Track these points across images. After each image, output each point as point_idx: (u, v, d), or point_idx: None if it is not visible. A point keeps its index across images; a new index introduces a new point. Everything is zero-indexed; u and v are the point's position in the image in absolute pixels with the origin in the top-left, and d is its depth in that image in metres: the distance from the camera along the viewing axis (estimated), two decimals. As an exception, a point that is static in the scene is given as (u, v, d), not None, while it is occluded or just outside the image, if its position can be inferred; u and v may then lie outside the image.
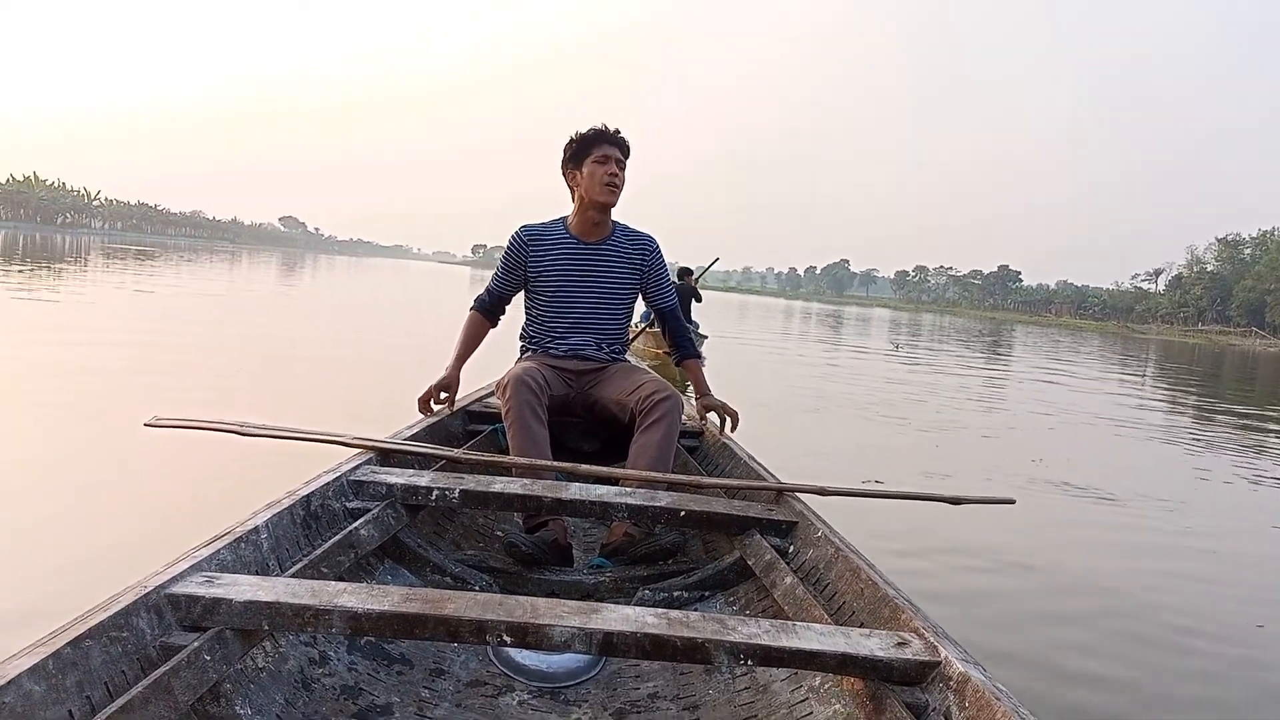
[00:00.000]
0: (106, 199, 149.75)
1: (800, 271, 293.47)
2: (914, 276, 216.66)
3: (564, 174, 2.94)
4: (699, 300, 15.77)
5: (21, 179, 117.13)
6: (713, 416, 3.12)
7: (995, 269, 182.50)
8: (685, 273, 15.69)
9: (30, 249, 38.97)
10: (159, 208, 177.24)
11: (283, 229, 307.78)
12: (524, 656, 1.84)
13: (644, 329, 14.87)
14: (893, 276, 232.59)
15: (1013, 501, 2.49)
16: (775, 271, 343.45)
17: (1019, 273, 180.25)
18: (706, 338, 16.43)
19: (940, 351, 22.73)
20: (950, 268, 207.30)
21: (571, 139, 2.87)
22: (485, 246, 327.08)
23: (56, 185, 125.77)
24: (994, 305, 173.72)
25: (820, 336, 26.27)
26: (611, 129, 2.85)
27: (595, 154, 2.82)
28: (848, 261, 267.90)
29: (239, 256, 68.80)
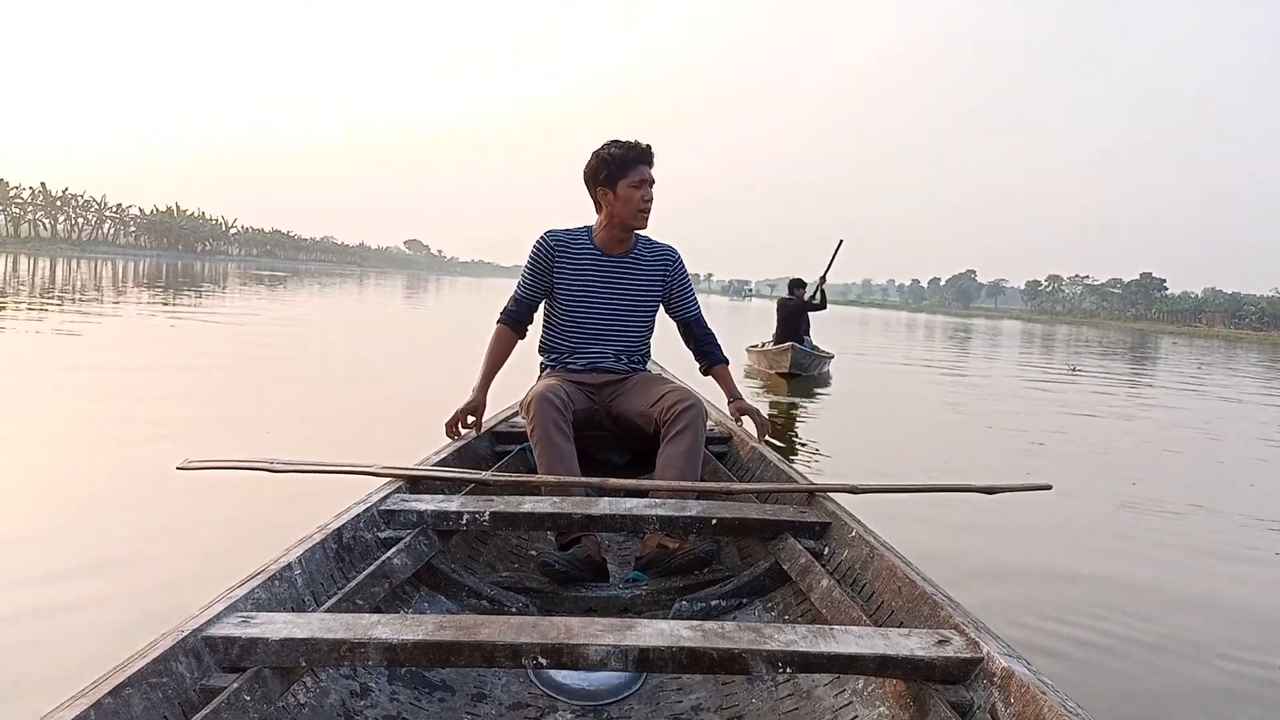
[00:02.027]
0: (243, 227, 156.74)
1: (924, 283, 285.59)
2: (1046, 286, 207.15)
3: (592, 188, 2.85)
4: (820, 308, 13.56)
5: (164, 209, 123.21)
6: (746, 421, 3.07)
7: (1137, 277, 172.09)
8: (797, 285, 13.43)
9: (174, 275, 40.93)
10: (291, 234, 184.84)
11: (408, 252, 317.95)
12: (565, 676, 1.81)
13: (759, 348, 13.00)
14: (1023, 287, 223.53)
15: (1049, 487, 2.39)
16: (897, 284, 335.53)
17: (1163, 280, 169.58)
18: (832, 356, 14.24)
19: (1123, 374, 19.74)
20: (1086, 276, 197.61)
21: (606, 157, 2.78)
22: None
23: (196, 215, 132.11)
24: (1136, 315, 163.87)
25: (977, 357, 23.43)
26: (644, 144, 2.79)
27: (633, 176, 2.76)
28: (974, 272, 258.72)
29: (366, 279, 70.89)
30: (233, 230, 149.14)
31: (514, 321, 3.00)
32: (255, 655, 1.37)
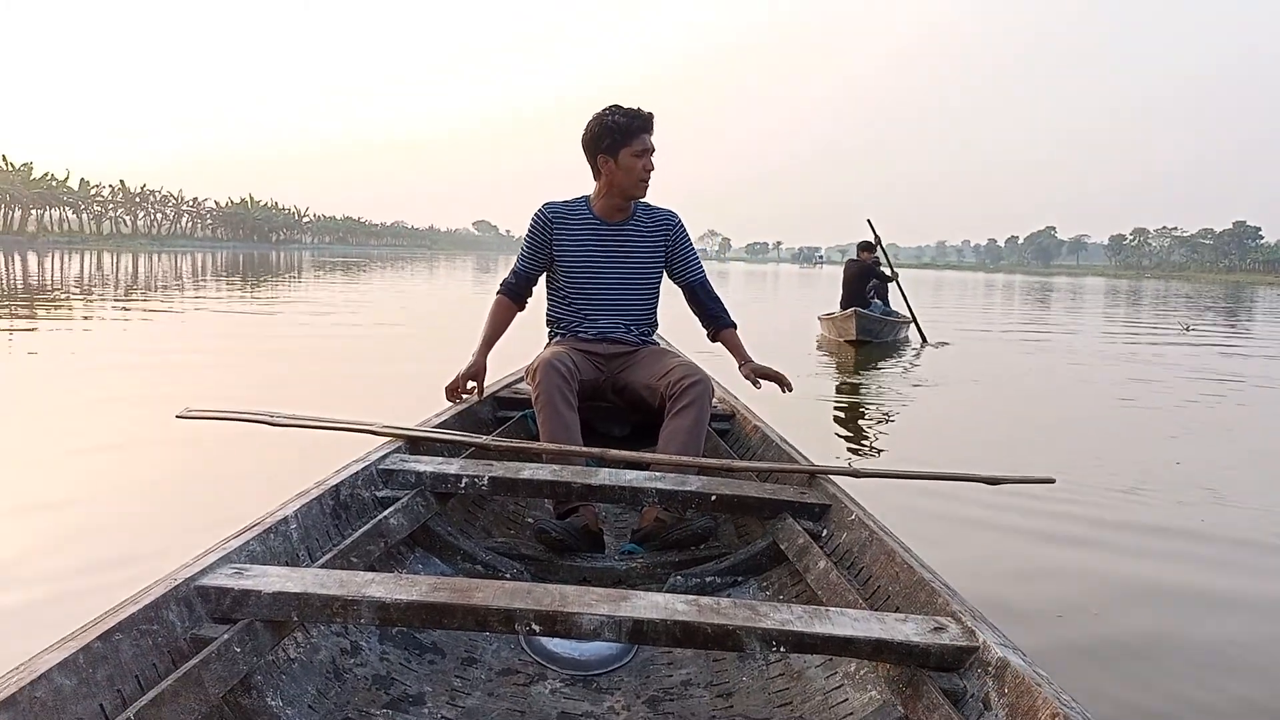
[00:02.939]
0: (315, 215, 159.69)
1: (1000, 242, 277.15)
2: (1132, 240, 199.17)
3: (592, 154, 2.80)
4: (890, 278, 12.69)
5: (239, 200, 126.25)
6: (765, 383, 2.95)
7: (1229, 226, 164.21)
8: (864, 247, 12.54)
9: (266, 265, 42.03)
10: (362, 220, 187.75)
11: (476, 233, 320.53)
12: (556, 645, 1.81)
13: (830, 316, 12.30)
14: (1106, 242, 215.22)
15: (1052, 481, 2.37)
16: (972, 244, 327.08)
17: (1258, 229, 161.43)
18: (909, 320, 13.34)
19: (1238, 329, 18.40)
20: (1174, 228, 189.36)
21: (610, 124, 2.72)
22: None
23: (270, 205, 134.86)
24: (1229, 267, 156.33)
25: (1072, 317, 22.16)
26: (647, 112, 2.76)
27: (635, 145, 2.73)
28: (1054, 229, 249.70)
29: (436, 261, 71.68)
30: (305, 219, 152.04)
31: (514, 294, 2.99)
32: (247, 607, 1.36)
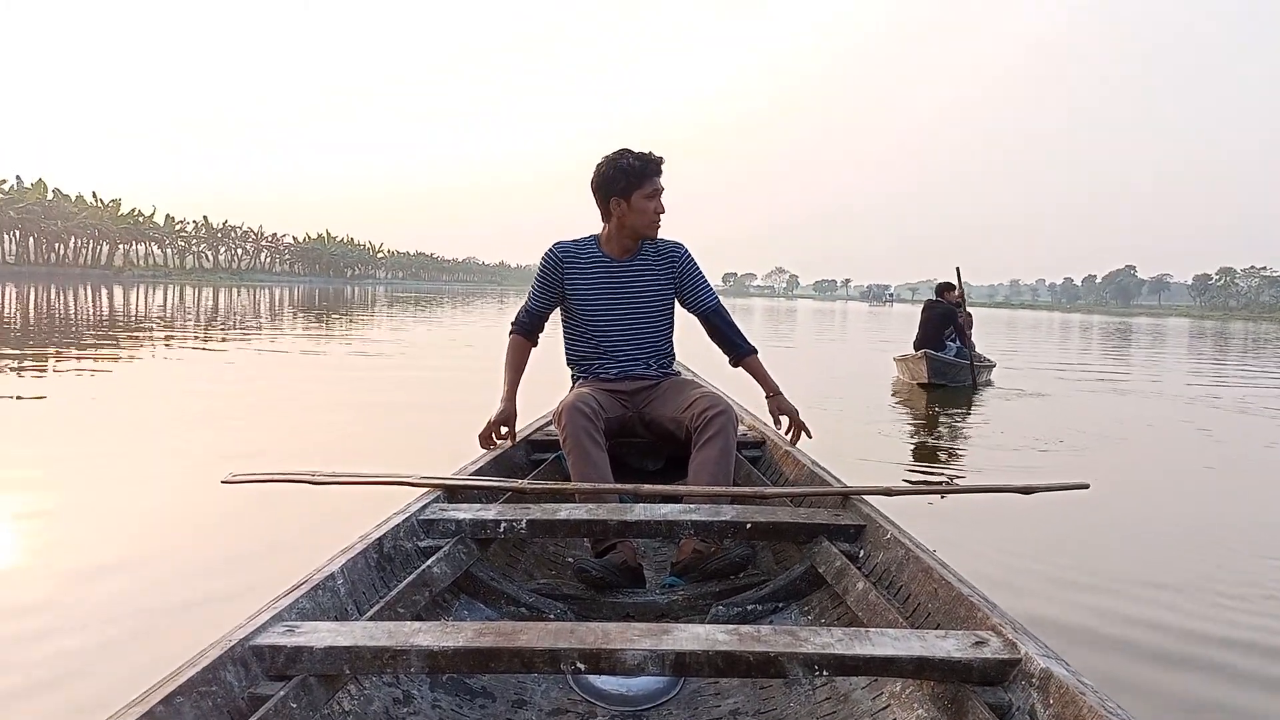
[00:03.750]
0: (389, 251, 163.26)
1: (1077, 281, 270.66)
2: (1218, 280, 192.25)
3: (604, 197, 2.86)
4: (960, 319, 12.00)
5: (315, 236, 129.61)
6: (784, 420, 3.00)
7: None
8: (945, 288, 11.96)
9: (330, 299, 42.65)
10: (434, 255, 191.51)
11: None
12: (604, 681, 1.82)
13: (903, 358, 11.78)
14: (1190, 281, 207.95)
15: (1086, 486, 2.29)
16: (1047, 283, 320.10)
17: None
18: (992, 365, 12.78)
19: None
20: (1264, 268, 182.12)
21: (624, 167, 2.79)
22: (736, 275, 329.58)
23: (346, 240, 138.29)
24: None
25: (1166, 361, 20.97)
26: (657, 156, 2.82)
27: (647, 187, 2.80)
28: (1134, 268, 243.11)
29: (506, 296, 72.27)
30: (380, 254, 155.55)
31: (526, 331, 3.04)
32: (301, 664, 1.39)
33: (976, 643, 1.40)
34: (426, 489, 2.35)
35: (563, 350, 3.09)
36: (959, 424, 8.28)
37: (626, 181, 2.80)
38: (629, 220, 2.85)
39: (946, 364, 10.86)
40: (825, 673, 1.39)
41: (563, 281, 2.95)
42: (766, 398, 3.04)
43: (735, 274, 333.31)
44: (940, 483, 2.74)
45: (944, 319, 11.39)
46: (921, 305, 12.18)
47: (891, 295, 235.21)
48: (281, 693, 1.35)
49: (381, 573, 1.90)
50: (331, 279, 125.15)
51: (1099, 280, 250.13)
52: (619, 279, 2.94)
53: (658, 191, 2.83)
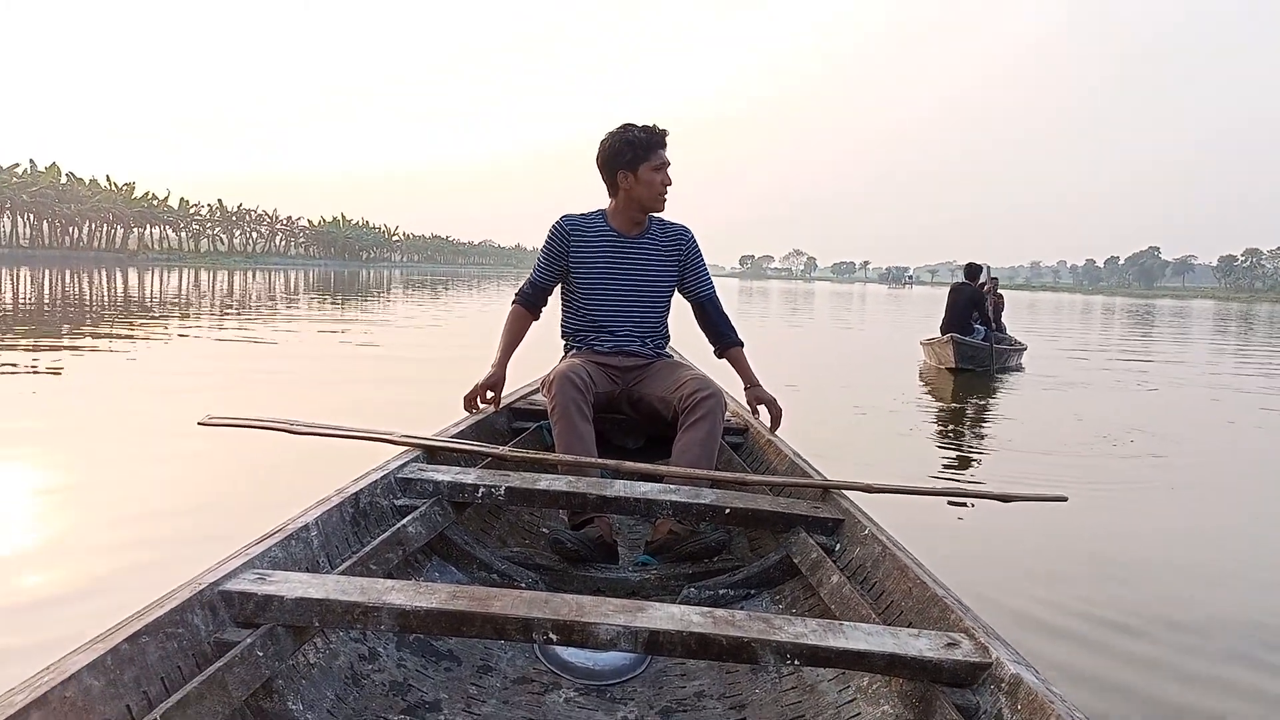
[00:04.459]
0: (405, 234, 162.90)
1: (1099, 263, 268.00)
2: (1243, 261, 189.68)
3: (610, 171, 2.85)
4: (989, 303, 11.47)
5: (330, 220, 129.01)
6: (763, 410, 3.04)
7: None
8: (974, 272, 11.50)
9: (345, 282, 42.62)
10: (450, 239, 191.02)
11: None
12: (570, 654, 1.83)
13: (930, 342, 11.25)
14: (1215, 263, 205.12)
15: (1064, 499, 2.31)
16: (1069, 264, 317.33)
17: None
18: (1023, 348, 12.23)
19: None
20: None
21: (630, 139, 2.78)
22: (753, 257, 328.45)
23: (361, 223, 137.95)
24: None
25: (1198, 344, 20.25)
26: (662, 128, 2.82)
27: (654, 159, 2.79)
28: (1158, 249, 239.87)
29: (523, 279, 71.56)
30: (395, 238, 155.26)
31: (529, 303, 3.02)
32: (270, 612, 1.38)
33: (949, 644, 1.39)
34: (406, 448, 2.33)
35: (557, 323, 3.07)
36: (996, 417, 7.59)
37: (633, 154, 2.77)
38: (636, 193, 2.82)
39: (975, 348, 10.52)
40: (796, 662, 1.38)
41: (568, 254, 2.92)
42: (745, 389, 3.06)
43: (752, 256, 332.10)
44: (927, 484, 2.71)
45: (971, 302, 10.99)
46: (948, 288, 11.67)
47: (911, 278, 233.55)
48: (248, 640, 1.34)
49: (356, 528, 1.89)
50: (347, 262, 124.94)
51: (1122, 262, 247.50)
52: (624, 255, 2.92)
53: (664, 164, 2.81)
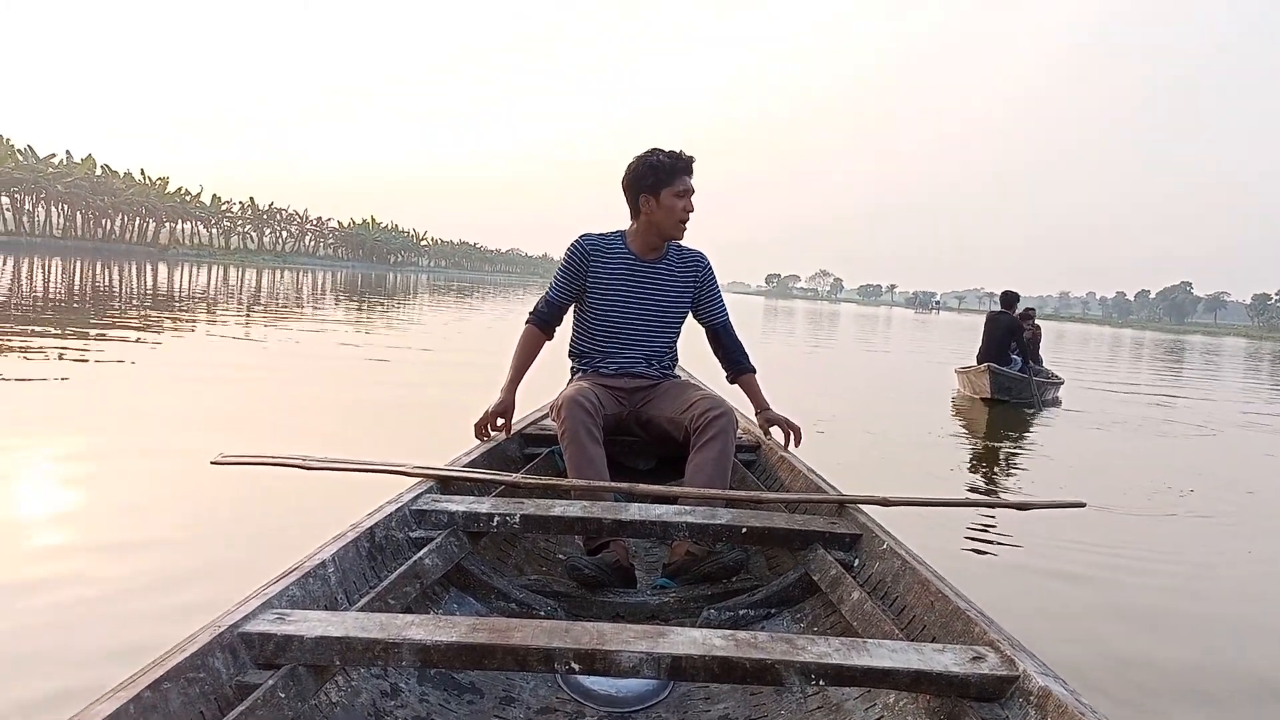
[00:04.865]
0: (433, 239, 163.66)
1: (1130, 296, 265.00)
2: (1278, 300, 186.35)
3: (634, 194, 2.84)
4: (1029, 334, 11.18)
5: (360, 222, 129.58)
6: (775, 431, 3.04)
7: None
8: (1011, 300, 11.12)
9: (368, 285, 42.51)
10: (478, 246, 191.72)
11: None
12: (593, 682, 1.81)
13: (965, 370, 10.88)
14: (1249, 301, 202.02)
15: (1083, 505, 2.27)
16: (1098, 296, 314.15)
17: None
18: (1060, 382, 11.82)
19: None
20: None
21: (654, 163, 2.79)
22: (779, 276, 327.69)
23: (390, 227, 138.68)
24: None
25: (1247, 385, 19.72)
26: (689, 154, 2.81)
27: (677, 185, 2.78)
28: (1189, 284, 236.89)
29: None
30: (424, 243, 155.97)
31: (543, 322, 2.99)
32: (290, 652, 1.37)
33: (974, 658, 1.38)
34: (419, 479, 2.32)
35: (565, 344, 3.08)
36: (1043, 457, 7.18)
37: (655, 178, 2.77)
38: (656, 218, 2.82)
39: (1011, 379, 10.18)
40: (822, 682, 1.36)
41: (586, 274, 2.91)
42: (756, 413, 3.09)
43: (779, 275, 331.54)
44: (938, 496, 2.67)
45: (1009, 331, 10.60)
46: (983, 316, 11.32)
47: (938, 303, 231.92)
48: (270, 682, 1.32)
49: (372, 562, 1.88)
50: (375, 265, 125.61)
51: (1153, 296, 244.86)
52: (641, 279, 2.92)
53: (688, 191, 2.80)
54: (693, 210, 2.83)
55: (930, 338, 31.86)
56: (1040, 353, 12.21)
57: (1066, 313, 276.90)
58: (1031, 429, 8.65)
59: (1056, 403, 10.94)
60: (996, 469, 6.51)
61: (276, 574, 1.60)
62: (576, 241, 2.94)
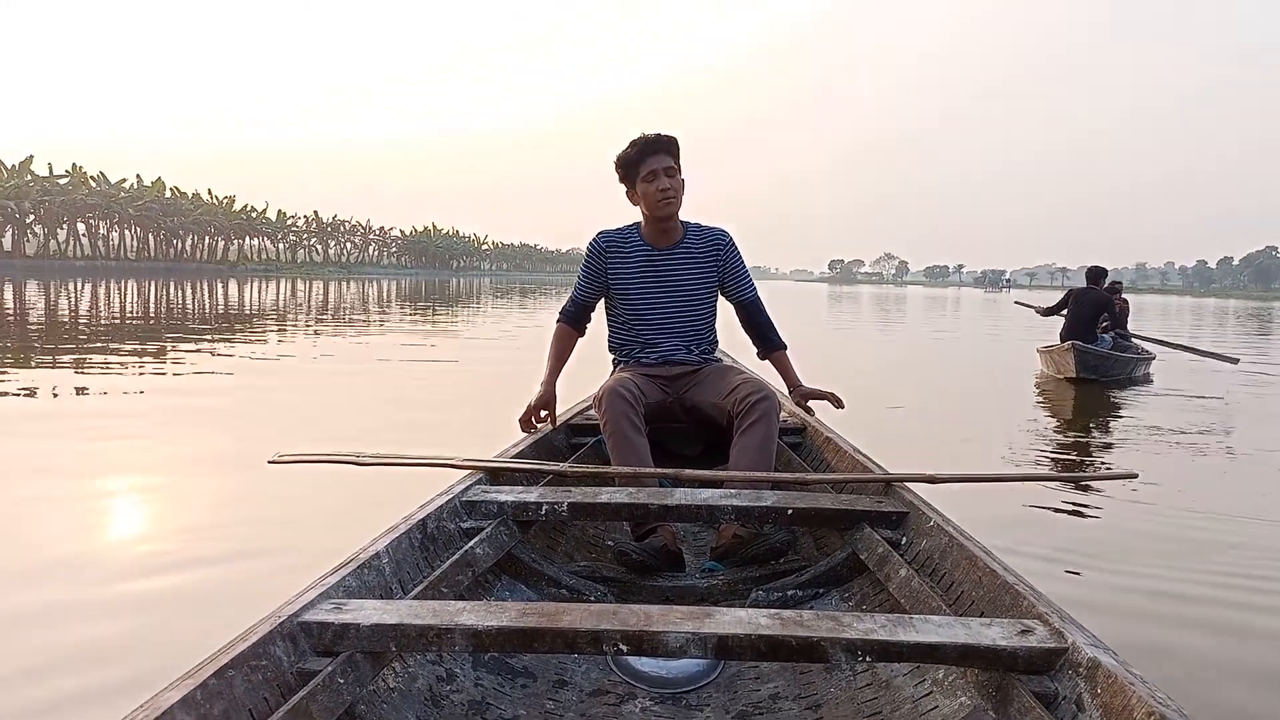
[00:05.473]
0: (494, 243, 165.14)
1: (1211, 264, 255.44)
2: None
3: (626, 191, 2.93)
4: (1119, 311, 10.55)
5: (422, 229, 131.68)
6: (814, 404, 3.07)
7: None
8: (1098, 275, 10.44)
9: (432, 290, 43.28)
10: (538, 247, 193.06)
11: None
12: (644, 664, 1.84)
13: (1048, 350, 10.23)
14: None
15: (1135, 475, 2.28)
16: (1177, 266, 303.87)
17: None
18: (1151, 357, 11.02)
19: None
20: None
21: (620, 158, 2.88)
22: (843, 261, 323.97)
23: (451, 233, 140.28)
24: None
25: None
26: (652, 135, 2.85)
27: (644, 171, 2.83)
28: (1275, 248, 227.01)
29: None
30: (485, 247, 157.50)
31: (573, 320, 3.06)
32: (347, 640, 1.41)
33: (1022, 631, 1.38)
34: (468, 471, 2.36)
35: (604, 337, 3.12)
36: (1152, 448, 6.50)
37: (626, 171, 2.86)
38: (642, 205, 2.88)
39: (1099, 357, 9.57)
40: (868, 658, 1.37)
41: (606, 271, 2.98)
42: (790, 390, 3.12)
43: (842, 260, 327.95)
44: (988, 472, 2.40)
45: (1099, 307, 9.97)
46: (1065, 293, 10.72)
47: (1009, 281, 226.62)
48: (329, 668, 1.37)
49: (425, 553, 1.91)
50: (438, 270, 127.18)
51: (1236, 262, 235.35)
52: (660, 267, 2.95)
53: (656, 172, 2.81)
54: (668, 187, 2.81)
55: (1004, 318, 30.69)
56: (1129, 327, 11.42)
57: (1144, 284, 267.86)
58: (1125, 410, 7.98)
59: (1148, 379, 10.27)
60: (1071, 449, 5.98)
61: (333, 565, 1.64)
62: (593, 240, 3.02)
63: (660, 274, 2.94)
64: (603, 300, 3.06)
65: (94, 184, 76.82)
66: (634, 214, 2.96)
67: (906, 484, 2.23)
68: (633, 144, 2.84)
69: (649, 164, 2.80)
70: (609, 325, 3.08)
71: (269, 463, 2.38)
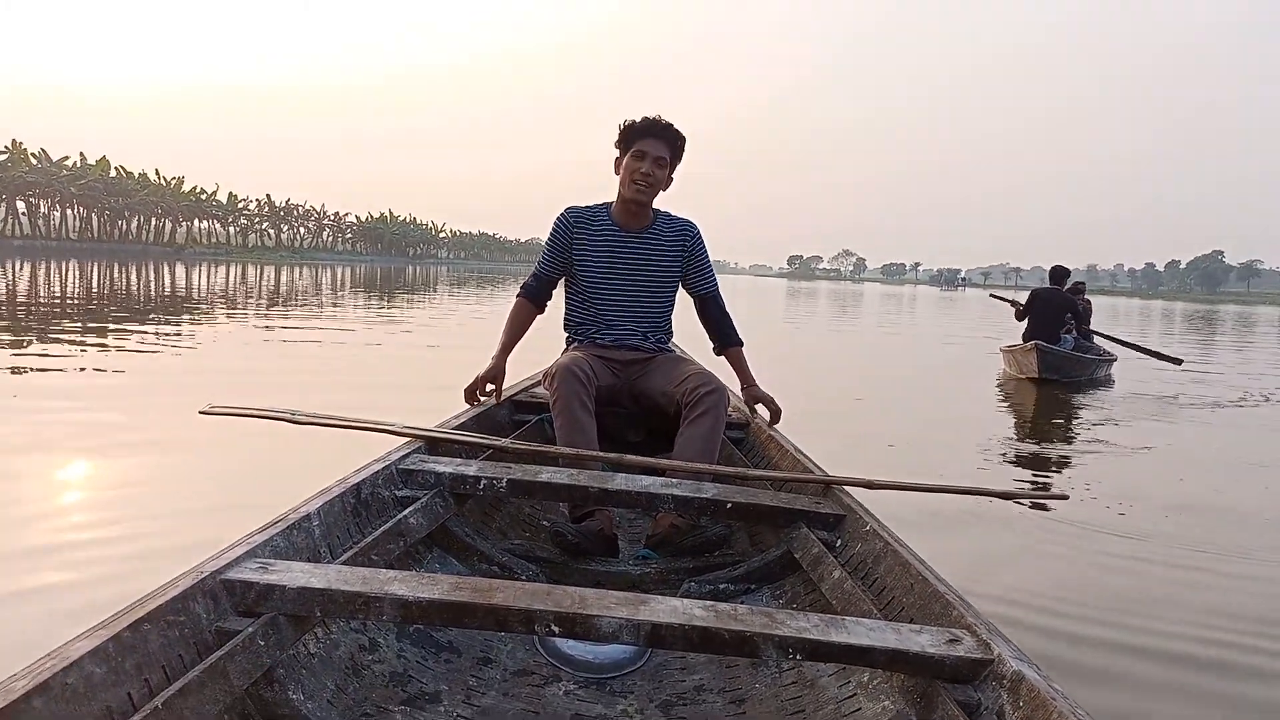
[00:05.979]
0: (451, 230, 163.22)
1: (1159, 267, 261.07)
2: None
3: (615, 158, 2.92)
4: (1083, 311, 10.51)
5: (377, 216, 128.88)
6: (760, 408, 3.06)
7: None
8: (1061, 275, 10.47)
9: (388, 277, 42.79)
10: (497, 236, 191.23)
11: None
12: (570, 647, 1.83)
13: (1011, 349, 10.14)
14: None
15: (1065, 497, 2.34)
16: (1126, 268, 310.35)
17: None
18: (1113, 359, 11.06)
19: None
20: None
21: (625, 125, 2.85)
22: (801, 257, 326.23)
23: (408, 220, 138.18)
24: None
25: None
26: (663, 122, 2.83)
27: (637, 146, 2.81)
28: (1221, 253, 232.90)
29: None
30: (443, 235, 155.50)
31: (533, 296, 3.03)
32: (271, 601, 1.39)
33: (950, 640, 1.38)
34: (407, 439, 2.32)
35: (560, 315, 3.08)
36: (1113, 450, 6.22)
37: (625, 138, 2.83)
38: (621, 178, 2.85)
39: (1062, 358, 9.52)
40: (799, 656, 1.37)
41: (571, 248, 2.95)
42: (743, 388, 3.07)
43: (801, 256, 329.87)
44: (923, 482, 2.30)
45: (1064, 309, 9.93)
46: (1028, 294, 10.62)
47: (963, 280, 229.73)
48: (250, 629, 1.34)
49: (357, 519, 1.89)
50: (394, 258, 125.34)
51: (1183, 266, 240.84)
52: (626, 250, 2.92)
53: (646, 154, 2.78)
54: (650, 174, 2.78)
55: (958, 317, 30.73)
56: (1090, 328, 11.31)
57: (1095, 286, 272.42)
58: (1083, 412, 7.86)
59: (1109, 381, 10.22)
60: (1017, 460, 5.70)
61: (261, 524, 1.60)
62: (561, 215, 2.97)
63: (625, 256, 2.91)
64: (564, 279, 3.03)
65: (34, 160, 74.39)
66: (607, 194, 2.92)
67: (845, 487, 2.23)
68: (644, 118, 2.82)
69: (645, 143, 2.78)
70: (567, 303, 3.05)
71: (200, 413, 2.31)
